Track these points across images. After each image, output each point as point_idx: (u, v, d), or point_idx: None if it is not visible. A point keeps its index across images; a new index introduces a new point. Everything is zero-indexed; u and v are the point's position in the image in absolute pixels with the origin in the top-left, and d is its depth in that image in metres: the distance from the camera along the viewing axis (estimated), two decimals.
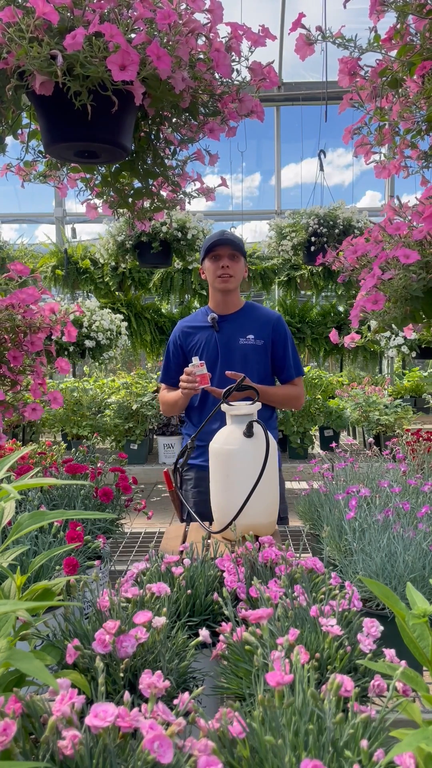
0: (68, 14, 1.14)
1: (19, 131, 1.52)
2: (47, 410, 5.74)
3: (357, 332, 1.64)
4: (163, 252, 6.43)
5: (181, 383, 2.14)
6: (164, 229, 6.23)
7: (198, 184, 1.65)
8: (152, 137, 1.52)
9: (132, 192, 1.65)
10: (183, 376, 2.13)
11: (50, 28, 1.12)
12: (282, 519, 2.22)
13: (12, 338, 1.46)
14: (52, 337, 1.56)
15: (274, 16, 7.83)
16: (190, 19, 1.25)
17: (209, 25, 1.30)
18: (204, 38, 1.31)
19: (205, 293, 7.39)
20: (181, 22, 1.23)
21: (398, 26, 1.36)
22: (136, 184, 1.65)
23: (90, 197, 1.72)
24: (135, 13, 1.16)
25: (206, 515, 1.71)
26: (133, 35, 1.17)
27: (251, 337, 2.25)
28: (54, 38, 1.12)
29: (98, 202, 1.74)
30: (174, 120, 1.46)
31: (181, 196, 1.67)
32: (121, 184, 1.64)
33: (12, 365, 1.46)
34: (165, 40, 1.18)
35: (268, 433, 1.55)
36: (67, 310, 1.60)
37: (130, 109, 1.30)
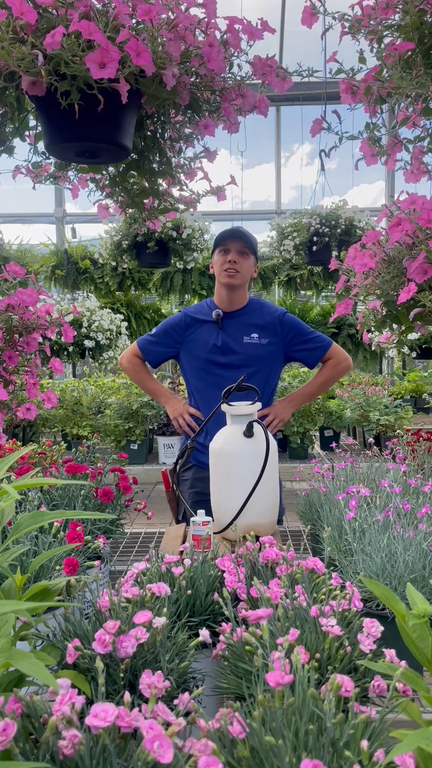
0: (54, 14, 1.13)
1: (27, 133, 1.51)
2: (47, 410, 5.74)
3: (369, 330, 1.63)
4: (160, 252, 6.40)
5: (182, 420, 2.20)
6: (158, 228, 6.20)
7: (206, 183, 1.64)
8: (158, 136, 1.51)
9: (139, 191, 1.64)
10: (188, 418, 2.19)
11: (38, 28, 1.12)
12: (278, 522, 2.20)
13: (7, 338, 1.46)
14: (50, 338, 1.56)
15: (274, 19, 7.83)
16: (182, 15, 1.23)
17: (204, 20, 1.27)
18: (203, 34, 1.29)
19: (205, 293, 7.38)
20: (172, 17, 1.22)
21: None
22: (145, 183, 1.64)
23: (101, 197, 1.71)
24: (115, 11, 1.15)
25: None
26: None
27: (255, 336, 2.19)
28: (39, 38, 1.11)
29: (109, 202, 1.73)
30: (178, 117, 1.45)
31: (194, 197, 1.65)
32: (129, 183, 1.63)
33: (7, 365, 1.46)
34: (151, 36, 1.16)
35: (268, 433, 1.55)
36: (63, 312, 1.60)
37: (127, 107, 1.28)
